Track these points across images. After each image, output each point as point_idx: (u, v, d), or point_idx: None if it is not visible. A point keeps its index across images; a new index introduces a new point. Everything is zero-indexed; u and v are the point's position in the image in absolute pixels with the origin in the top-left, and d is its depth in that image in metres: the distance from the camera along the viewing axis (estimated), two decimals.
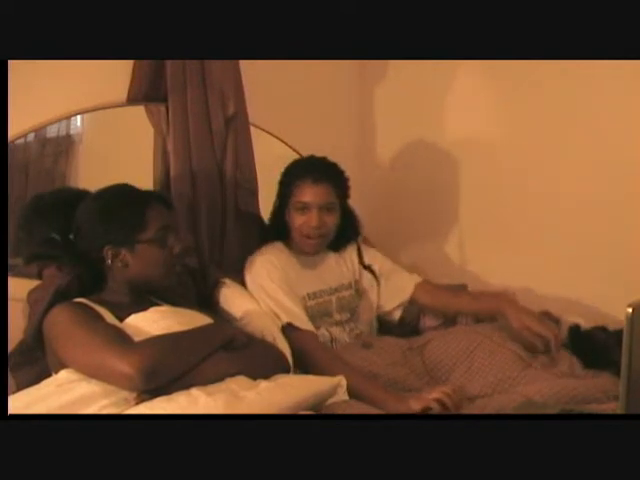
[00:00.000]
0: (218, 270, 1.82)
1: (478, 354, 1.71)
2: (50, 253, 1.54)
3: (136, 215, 1.49)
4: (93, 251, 1.50)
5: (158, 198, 1.56)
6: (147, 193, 1.57)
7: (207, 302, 1.74)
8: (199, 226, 1.87)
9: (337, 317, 1.90)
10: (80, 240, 1.50)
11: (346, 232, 1.97)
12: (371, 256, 2.04)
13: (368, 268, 2.00)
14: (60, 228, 1.52)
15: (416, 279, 2.03)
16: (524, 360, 1.67)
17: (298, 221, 1.85)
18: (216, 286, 1.75)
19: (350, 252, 2.02)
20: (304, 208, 1.83)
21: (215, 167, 1.89)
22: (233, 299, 1.72)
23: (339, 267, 1.98)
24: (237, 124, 1.90)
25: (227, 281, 1.76)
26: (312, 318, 1.81)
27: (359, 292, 1.99)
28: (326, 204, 1.84)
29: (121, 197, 1.53)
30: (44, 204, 1.63)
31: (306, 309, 1.82)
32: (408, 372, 1.70)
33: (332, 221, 1.87)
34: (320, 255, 1.94)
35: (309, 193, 1.83)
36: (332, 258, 1.98)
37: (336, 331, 1.89)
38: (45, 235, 1.53)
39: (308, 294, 1.86)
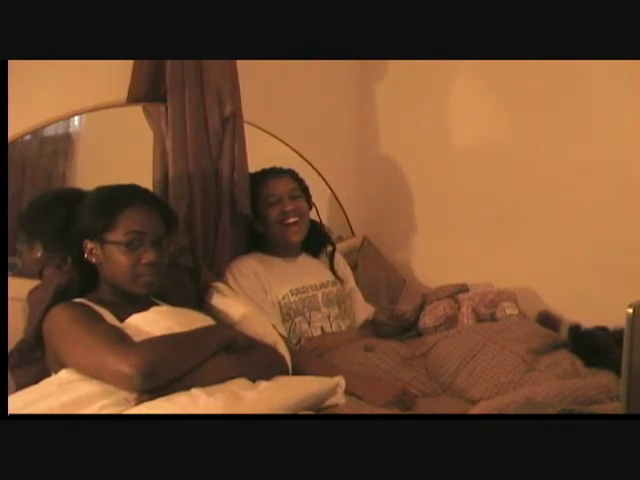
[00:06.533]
0: (209, 273, 1.82)
1: (481, 357, 1.72)
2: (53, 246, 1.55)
3: (108, 214, 1.47)
4: (78, 241, 1.50)
5: (148, 204, 1.51)
6: (139, 196, 1.53)
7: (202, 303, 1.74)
8: (194, 225, 1.87)
9: (325, 311, 1.95)
10: (74, 231, 1.51)
11: (318, 237, 2.10)
12: (342, 269, 2.13)
13: (336, 276, 2.07)
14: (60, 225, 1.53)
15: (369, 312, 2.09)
16: (527, 363, 1.68)
17: (274, 213, 1.95)
18: (206, 289, 1.73)
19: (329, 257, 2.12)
20: (276, 201, 1.95)
21: (211, 167, 1.90)
22: (228, 303, 1.71)
23: (321, 268, 2.06)
24: (233, 124, 1.90)
25: (219, 285, 1.75)
26: (297, 312, 1.89)
27: (346, 290, 2.08)
28: (292, 191, 1.98)
29: (107, 194, 1.52)
30: (43, 203, 1.64)
31: (289, 304, 1.89)
32: (411, 377, 1.70)
33: (304, 205, 2.00)
34: (302, 257, 2.04)
35: (276, 185, 1.97)
36: (314, 261, 2.07)
37: (332, 328, 1.92)
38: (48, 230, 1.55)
39: (291, 290, 1.91)
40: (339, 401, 1.45)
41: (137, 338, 1.38)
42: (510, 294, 2.04)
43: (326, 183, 2.38)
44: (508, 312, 1.98)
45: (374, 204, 2.53)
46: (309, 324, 1.90)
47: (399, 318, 2.07)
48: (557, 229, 2.07)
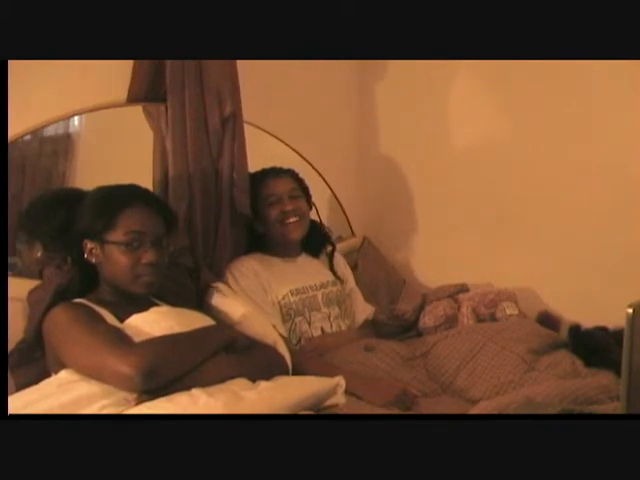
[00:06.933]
0: (209, 273, 1.82)
1: (481, 357, 1.72)
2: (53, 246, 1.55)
3: (108, 214, 1.47)
4: (78, 241, 1.50)
5: (148, 204, 1.52)
6: (139, 196, 1.53)
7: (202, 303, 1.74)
8: (194, 225, 1.87)
9: (326, 311, 1.95)
10: (74, 231, 1.51)
11: (318, 237, 2.10)
12: (342, 269, 2.14)
13: (336, 276, 2.08)
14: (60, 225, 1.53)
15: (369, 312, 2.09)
16: (527, 363, 1.68)
17: (273, 213, 1.95)
18: (206, 289, 1.73)
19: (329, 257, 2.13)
20: (276, 201, 1.95)
21: (211, 167, 1.90)
22: (228, 303, 1.71)
23: (321, 268, 2.07)
24: (233, 124, 1.90)
25: (219, 285, 1.75)
26: (297, 312, 1.89)
27: (346, 291, 2.08)
28: (291, 191, 1.98)
29: (107, 194, 1.52)
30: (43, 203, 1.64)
31: (289, 305, 1.89)
32: (411, 377, 1.70)
33: (304, 205, 2.00)
34: (302, 257, 2.04)
35: (276, 185, 1.97)
36: (314, 261, 2.07)
37: (332, 329, 1.93)
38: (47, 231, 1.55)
39: (291, 290, 1.91)
40: (339, 401, 1.45)
41: (137, 338, 1.38)
42: (510, 294, 2.04)
43: (326, 183, 2.38)
44: (508, 312, 1.98)
45: (374, 204, 2.53)
46: (309, 324, 1.90)
47: (399, 318, 2.07)
48: (557, 229, 2.07)
